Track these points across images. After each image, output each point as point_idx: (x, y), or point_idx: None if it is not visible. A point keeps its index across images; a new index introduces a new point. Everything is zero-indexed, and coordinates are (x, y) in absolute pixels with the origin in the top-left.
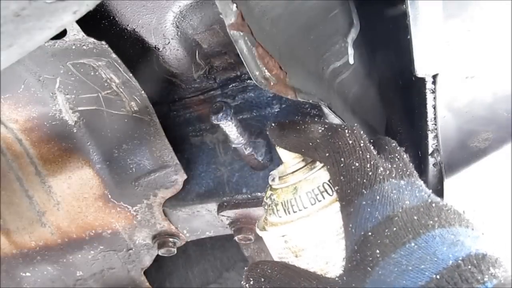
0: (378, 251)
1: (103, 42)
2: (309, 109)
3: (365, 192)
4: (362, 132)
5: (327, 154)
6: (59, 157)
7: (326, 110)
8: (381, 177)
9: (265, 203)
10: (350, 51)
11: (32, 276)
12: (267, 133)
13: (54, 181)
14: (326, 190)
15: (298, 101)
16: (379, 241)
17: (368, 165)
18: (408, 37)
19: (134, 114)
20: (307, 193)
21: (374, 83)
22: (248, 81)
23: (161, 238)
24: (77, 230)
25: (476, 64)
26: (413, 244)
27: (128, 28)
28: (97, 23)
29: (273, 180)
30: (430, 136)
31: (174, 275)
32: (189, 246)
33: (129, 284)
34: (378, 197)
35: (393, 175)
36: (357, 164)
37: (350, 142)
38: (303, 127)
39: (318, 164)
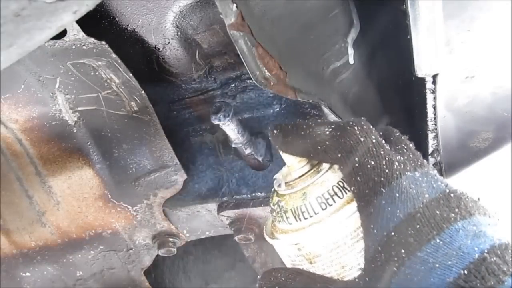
0: (403, 251)
1: (103, 42)
2: (309, 109)
3: (383, 190)
4: (371, 126)
5: (339, 155)
6: (59, 157)
7: (326, 110)
8: (397, 172)
9: (272, 210)
10: (350, 51)
11: (32, 276)
12: (270, 139)
13: (54, 181)
14: (336, 194)
15: (298, 101)
16: (403, 241)
17: (384, 162)
18: (408, 37)
19: (134, 114)
20: (317, 198)
21: (374, 83)
22: (248, 81)
23: (161, 238)
24: (77, 230)
25: (476, 64)
26: (438, 240)
27: (128, 28)
28: (97, 23)
29: (279, 185)
30: (430, 136)
31: (174, 275)
32: (189, 246)
33: (129, 284)
34: (397, 195)
35: (408, 167)
36: (372, 163)
37: (362, 139)
38: (308, 131)
39: (325, 166)
